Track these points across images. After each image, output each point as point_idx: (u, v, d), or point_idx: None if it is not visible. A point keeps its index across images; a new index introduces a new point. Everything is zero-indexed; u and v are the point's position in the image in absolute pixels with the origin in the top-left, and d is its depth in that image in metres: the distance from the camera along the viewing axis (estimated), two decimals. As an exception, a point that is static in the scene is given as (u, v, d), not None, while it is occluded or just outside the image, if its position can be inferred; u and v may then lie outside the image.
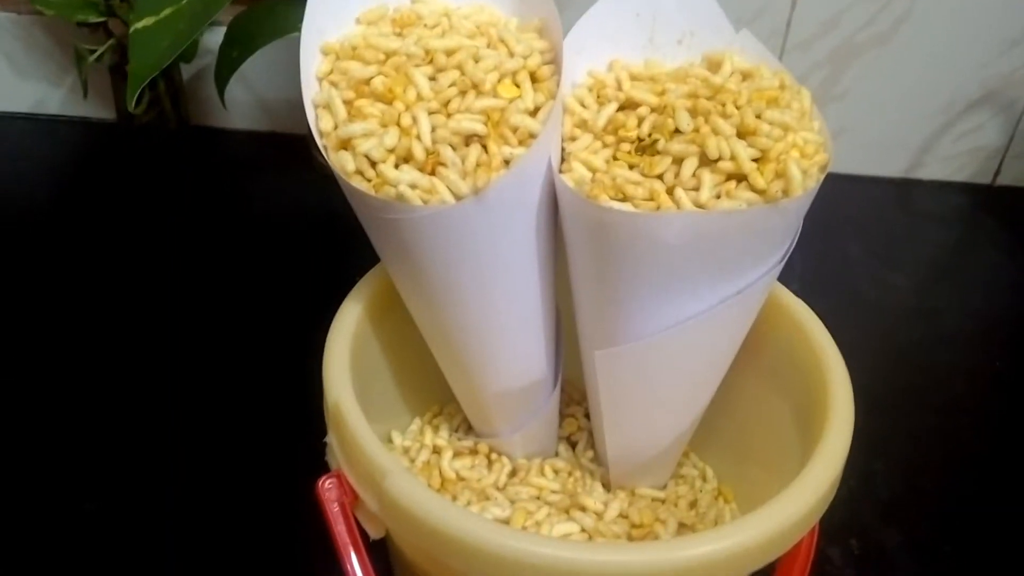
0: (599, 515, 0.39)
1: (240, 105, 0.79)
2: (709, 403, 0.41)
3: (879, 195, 0.78)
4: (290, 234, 0.70)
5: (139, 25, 0.60)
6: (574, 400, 0.47)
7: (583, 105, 0.38)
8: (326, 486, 0.33)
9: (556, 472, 0.43)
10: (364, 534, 0.34)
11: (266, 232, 0.70)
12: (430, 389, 0.44)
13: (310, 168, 0.75)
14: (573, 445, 0.46)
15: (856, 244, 0.72)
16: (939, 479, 0.54)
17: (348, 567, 0.33)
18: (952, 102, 0.75)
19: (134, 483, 0.49)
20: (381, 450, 0.32)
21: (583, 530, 0.38)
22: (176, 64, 0.76)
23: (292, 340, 0.56)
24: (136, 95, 0.57)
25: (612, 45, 0.39)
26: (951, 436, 0.57)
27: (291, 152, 0.77)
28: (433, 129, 0.33)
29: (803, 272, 0.70)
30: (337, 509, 0.33)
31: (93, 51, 0.72)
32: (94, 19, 0.71)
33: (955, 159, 0.78)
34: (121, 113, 0.79)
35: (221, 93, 0.67)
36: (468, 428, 0.45)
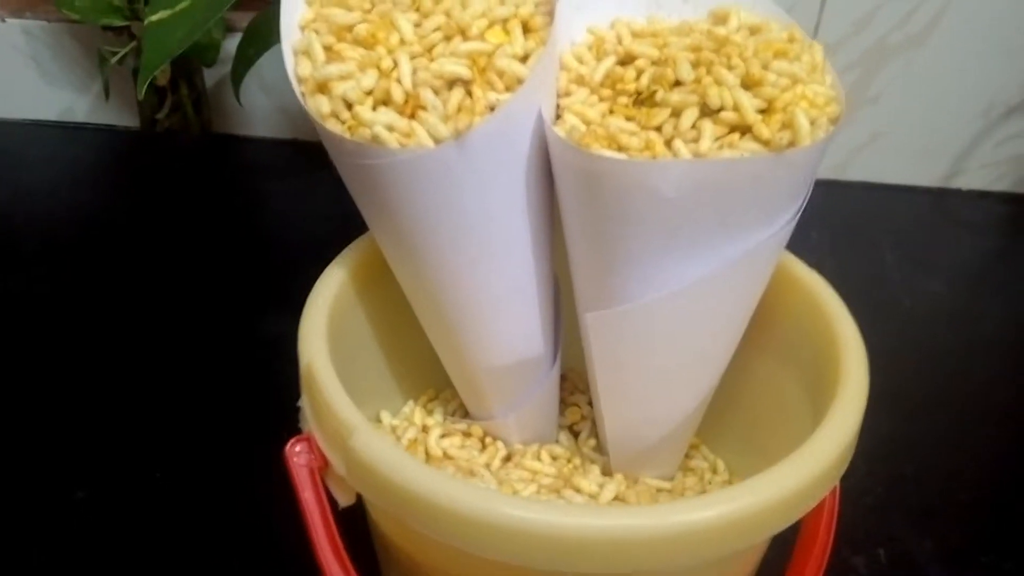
0: (593, 497, 0.36)
1: (261, 112, 0.79)
2: (719, 389, 0.38)
3: (915, 205, 0.75)
4: (308, 240, 0.69)
5: (154, 18, 0.59)
6: (578, 389, 0.45)
7: (581, 62, 0.36)
8: (295, 450, 0.31)
9: (554, 458, 0.40)
10: (335, 504, 0.32)
11: (284, 238, 0.70)
12: (426, 372, 0.42)
13: (330, 176, 0.74)
14: (575, 434, 0.43)
15: (892, 252, 0.69)
16: (974, 488, 0.50)
17: (314, 534, 0.31)
18: (991, 106, 0.72)
19: (125, 468, 0.49)
20: (351, 408, 0.30)
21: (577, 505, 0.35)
22: (199, 70, 0.77)
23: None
24: (146, 84, 0.57)
25: (614, 3, 0.37)
26: (987, 444, 0.53)
27: (312, 159, 0.77)
28: (414, 72, 0.31)
29: (835, 279, 0.68)
30: (305, 474, 0.31)
31: (115, 53, 0.72)
32: (118, 23, 0.72)
33: (995, 167, 0.75)
34: (144, 120, 0.79)
35: (236, 90, 0.66)
36: (465, 414, 0.42)
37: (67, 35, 0.78)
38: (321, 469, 0.32)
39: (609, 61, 0.35)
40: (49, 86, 0.81)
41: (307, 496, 0.31)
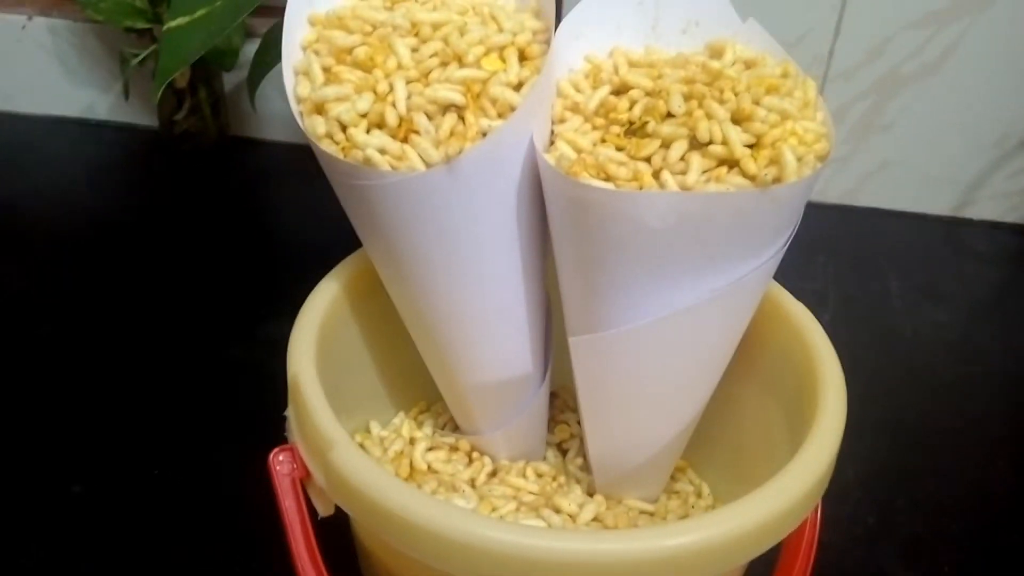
0: (572, 517, 0.37)
1: (277, 117, 0.80)
2: (707, 413, 0.39)
3: (925, 233, 0.75)
4: (319, 245, 0.69)
5: (172, 24, 0.61)
6: (568, 407, 0.45)
7: (577, 89, 0.36)
8: (278, 459, 0.32)
9: (539, 475, 0.41)
10: (316, 514, 0.33)
11: (295, 242, 0.70)
12: (418, 384, 0.43)
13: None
14: (564, 452, 0.44)
15: (897, 281, 0.69)
16: (966, 522, 0.50)
17: (293, 542, 0.31)
18: (1005, 136, 0.72)
19: (122, 464, 0.50)
20: (332, 422, 0.31)
21: (550, 527, 0.36)
22: (218, 74, 0.78)
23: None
24: (161, 89, 0.58)
25: (613, 32, 0.38)
26: (982, 477, 0.53)
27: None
28: (409, 96, 0.32)
29: (837, 306, 0.68)
30: (288, 483, 0.32)
31: (136, 55, 0.73)
32: (141, 25, 0.73)
33: (1008, 198, 0.74)
34: (163, 121, 0.80)
35: (252, 96, 0.67)
36: (455, 428, 0.43)
37: (91, 35, 0.80)
38: (303, 479, 0.32)
39: (604, 90, 0.35)
40: (72, 84, 0.83)
41: (288, 504, 0.32)
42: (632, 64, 0.37)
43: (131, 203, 0.75)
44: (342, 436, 0.30)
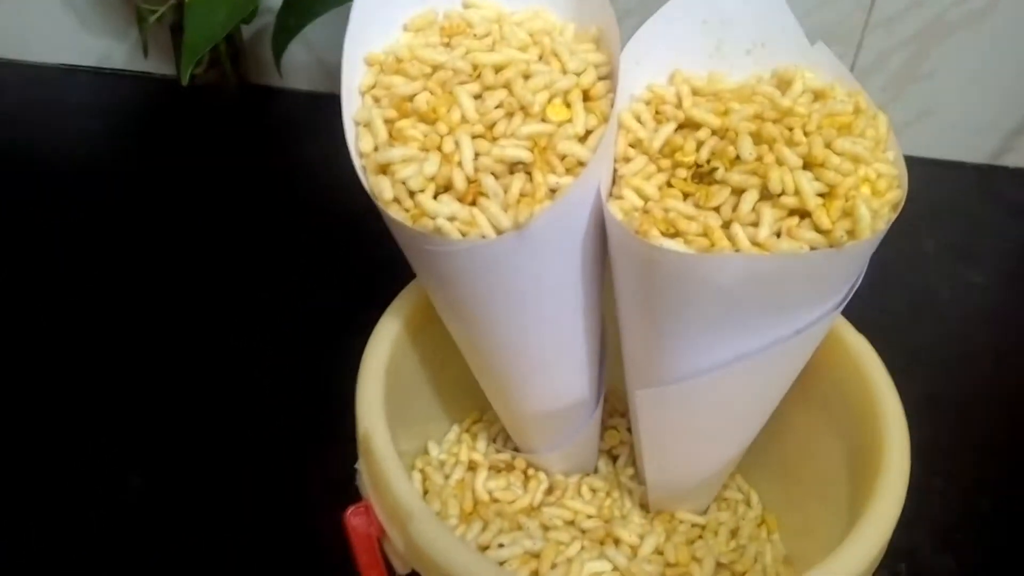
0: (633, 550, 0.38)
1: (299, 66, 0.78)
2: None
3: (960, 182, 0.74)
4: (342, 198, 0.68)
5: (195, -7, 0.58)
6: (617, 411, 0.46)
7: (639, 121, 0.35)
8: (354, 516, 0.33)
9: (594, 492, 0.42)
10: (391, 565, 0.34)
11: (318, 195, 0.69)
12: (470, 396, 0.43)
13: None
14: (614, 459, 0.44)
15: (931, 238, 0.69)
16: (1003, 501, 0.51)
17: (372, 599, 0.32)
18: (1048, 86, 0.70)
19: (176, 465, 0.50)
20: (408, 489, 0.31)
21: (615, 569, 0.37)
22: (237, 27, 0.75)
23: (340, 319, 0.57)
24: (190, 69, 0.56)
25: (675, 53, 0.36)
26: (1022, 453, 0.54)
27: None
28: (476, 157, 0.31)
29: (871, 268, 0.67)
30: (365, 542, 0.33)
31: (154, 11, 0.71)
32: (156, -23, 0.70)
33: (1047, 146, 0.73)
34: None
35: (277, 61, 0.65)
36: (507, 437, 0.44)
37: (103, -17, 0.77)
38: (379, 535, 0.33)
39: (668, 128, 0.34)
40: (88, 33, 0.80)
41: (365, 562, 0.33)
42: (695, 92, 0.36)
43: (152, 155, 0.73)
44: (420, 506, 0.31)
